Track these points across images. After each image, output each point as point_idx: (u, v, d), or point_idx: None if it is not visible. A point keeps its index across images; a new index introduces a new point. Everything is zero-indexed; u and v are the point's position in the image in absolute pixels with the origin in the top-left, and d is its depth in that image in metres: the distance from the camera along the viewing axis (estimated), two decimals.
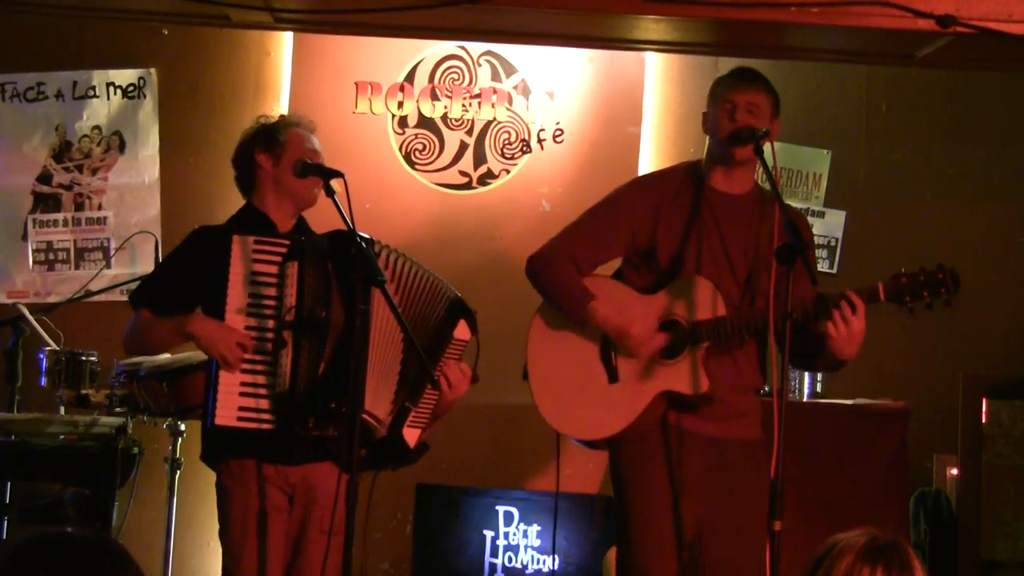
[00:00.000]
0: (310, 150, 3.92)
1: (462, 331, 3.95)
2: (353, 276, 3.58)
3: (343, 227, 3.64)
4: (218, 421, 3.68)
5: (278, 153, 3.89)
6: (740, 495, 3.72)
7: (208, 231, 3.93)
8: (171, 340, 3.88)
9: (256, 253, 3.72)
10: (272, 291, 3.71)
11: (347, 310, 3.71)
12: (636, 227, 3.92)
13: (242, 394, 3.69)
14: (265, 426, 3.69)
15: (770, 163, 3.64)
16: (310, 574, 3.81)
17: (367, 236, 3.74)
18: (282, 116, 4.07)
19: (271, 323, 3.71)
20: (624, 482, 3.91)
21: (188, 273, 3.87)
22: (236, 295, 3.71)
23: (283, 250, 3.73)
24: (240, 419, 3.68)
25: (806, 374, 5.54)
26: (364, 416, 3.63)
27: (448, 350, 3.92)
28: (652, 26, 5.27)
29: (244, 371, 3.70)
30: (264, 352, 3.70)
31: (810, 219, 6.01)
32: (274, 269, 3.71)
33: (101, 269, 5.98)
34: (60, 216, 6.10)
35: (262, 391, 3.70)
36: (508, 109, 6.10)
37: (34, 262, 6.08)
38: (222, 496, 3.84)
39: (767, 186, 3.83)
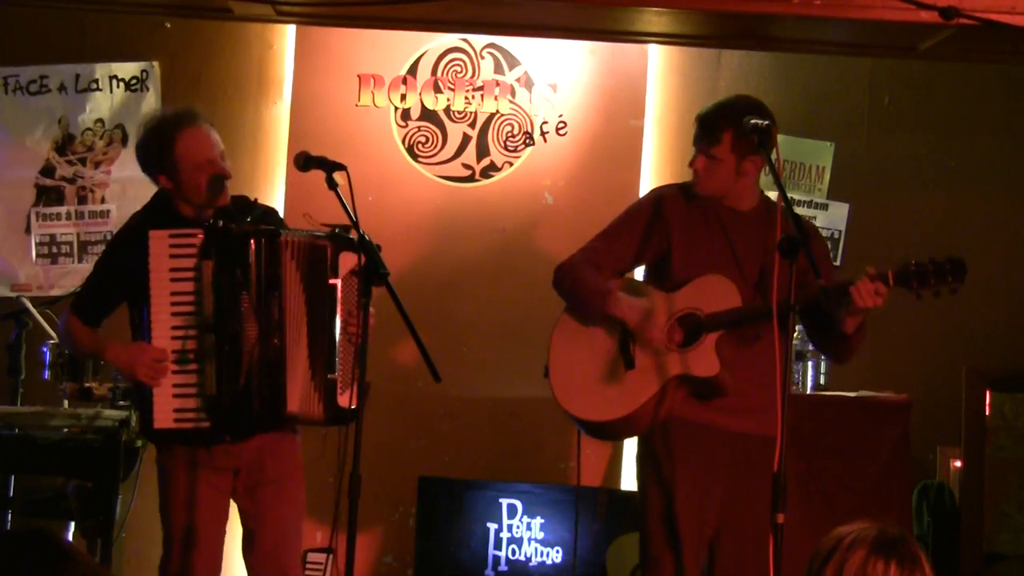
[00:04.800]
0: (208, 158, 3.90)
1: (346, 264, 3.89)
2: (265, 264, 3.76)
3: (346, 220, 3.68)
4: (157, 425, 3.84)
5: (178, 178, 3.90)
6: (761, 492, 3.72)
7: (125, 233, 4.01)
8: (92, 355, 4.29)
9: (173, 248, 3.81)
10: (191, 286, 3.81)
11: (259, 312, 3.80)
12: (652, 235, 4.07)
13: (176, 396, 3.83)
14: (202, 424, 3.83)
15: (774, 156, 3.75)
16: (271, 527, 3.97)
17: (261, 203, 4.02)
18: (166, 121, 3.96)
19: (193, 321, 3.81)
20: (645, 474, 4.04)
21: (111, 281, 3.98)
22: (159, 292, 3.81)
23: (198, 241, 3.80)
24: (177, 420, 3.83)
25: (809, 366, 5.54)
26: (299, 416, 3.86)
27: (343, 293, 3.89)
28: (655, 19, 5.28)
29: (175, 372, 3.82)
30: (190, 351, 3.82)
31: (813, 212, 6.04)
32: (191, 263, 3.80)
33: None
34: (63, 209, 6.09)
35: (192, 390, 3.82)
36: (511, 102, 6.09)
37: (37, 255, 6.08)
38: (160, 474, 3.99)
39: (772, 195, 3.95)
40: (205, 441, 3.87)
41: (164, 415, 3.81)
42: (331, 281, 3.87)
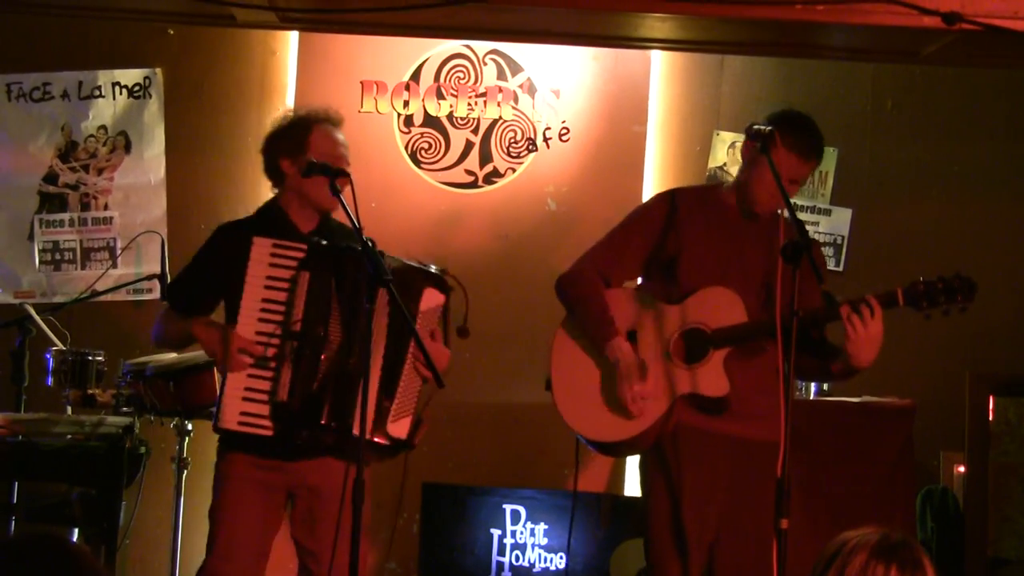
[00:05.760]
0: (335, 155, 3.92)
1: (429, 300, 3.87)
2: (358, 283, 3.67)
3: (349, 225, 3.68)
4: (221, 424, 3.82)
5: (302, 161, 3.89)
6: (762, 497, 3.72)
7: (230, 229, 4.03)
8: (182, 339, 4.06)
9: (274, 257, 3.81)
10: (283, 296, 3.80)
11: (344, 326, 3.78)
12: (659, 240, 4.03)
13: (245, 399, 3.80)
14: (264, 431, 3.79)
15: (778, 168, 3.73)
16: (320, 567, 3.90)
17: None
18: (308, 113, 4.04)
19: (279, 329, 3.79)
20: (649, 480, 4.02)
21: (210, 273, 3.99)
22: (251, 297, 3.81)
23: (300, 255, 3.80)
24: (240, 423, 3.80)
25: None
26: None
27: (419, 326, 3.83)
28: (658, 24, 5.28)
29: (249, 376, 3.80)
30: (269, 358, 3.79)
31: (816, 217, 6.04)
32: (288, 274, 3.80)
33: (107, 269, 5.98)
34: (66, 216, 6.10)
35: (263, 396, 3.79)
36: (514, 108, 6.10)
37: (40, 262, 6.09)
38: (217, 477, 3.96)
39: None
40: (264, 450, 3.83)
41: (230, 416, 3.79)
42: (416, 307, 3.81)
